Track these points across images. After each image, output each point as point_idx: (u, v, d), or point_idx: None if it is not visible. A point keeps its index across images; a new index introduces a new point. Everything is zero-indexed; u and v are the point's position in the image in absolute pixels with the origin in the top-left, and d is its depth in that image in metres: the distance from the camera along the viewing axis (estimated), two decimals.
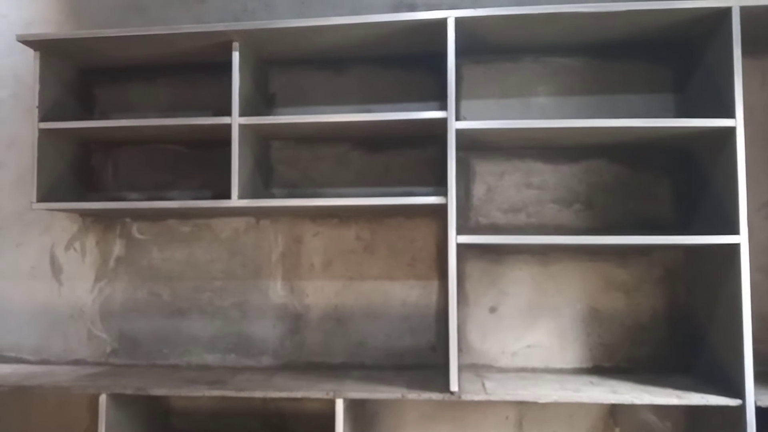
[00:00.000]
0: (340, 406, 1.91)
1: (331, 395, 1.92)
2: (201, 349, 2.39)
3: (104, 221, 2.47)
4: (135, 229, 2.45)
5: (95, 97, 2.50)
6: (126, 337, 2.43)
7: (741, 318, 1.81)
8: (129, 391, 2.01)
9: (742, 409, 1.80)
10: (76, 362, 2.44)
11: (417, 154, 2.33)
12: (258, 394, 1.96)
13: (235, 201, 2.03)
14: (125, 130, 2.25)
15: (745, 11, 1.87)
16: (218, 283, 2.40)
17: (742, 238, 1.83)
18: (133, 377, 2.16)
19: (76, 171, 2.39)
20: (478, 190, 2.33)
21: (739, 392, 1.81)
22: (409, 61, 2.33)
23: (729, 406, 1.81)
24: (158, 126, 2.18)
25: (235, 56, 2.09)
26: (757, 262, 2.14)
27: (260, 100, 2.31)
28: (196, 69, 2.41)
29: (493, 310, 2.29)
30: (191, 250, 2.42)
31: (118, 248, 2.46)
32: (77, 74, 2.41)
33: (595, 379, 2.09)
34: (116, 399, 2.03)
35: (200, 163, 2.42)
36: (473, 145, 2.23)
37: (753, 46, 2.14)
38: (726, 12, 1.88)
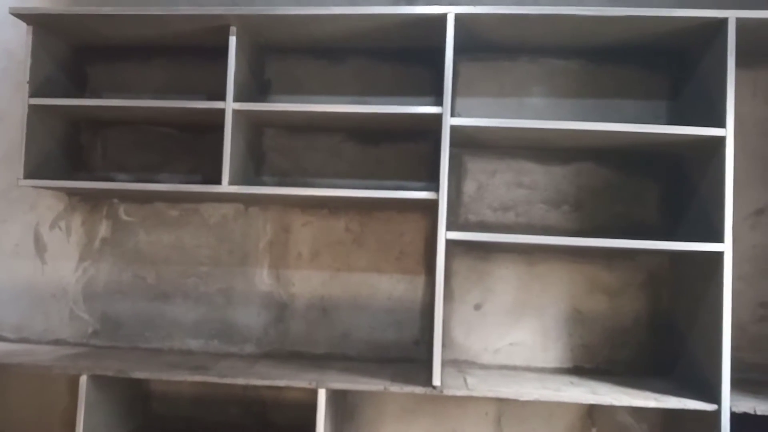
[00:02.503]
0: (322, 396, 1.91)
1: (313, 385, 1.92)
2: (184, 334, 2.38)
3: (91, 201, 2.44)
4: (122, 211, 2.43)
5: (87, 76, 2.47)
6: (108, 318, 2.41)
7: (721, 325, 1.83)
8: (110, 373, 2.00)
9: (717, 414, 1.83)
10: (57, 342, 2.42)
11: (410, 148, 2.34)
12: (240, 381, 1.95)
13: (225, 187, 2.02)
14: (117, 110, 2.23)
15: (740, 23, 1.88)
16: (204, 269, 2.39)
17: (726, 247, 1.85)
18: (114, 359, 2.15)
19: (65, 149, 2.36)
20: (469, 187, 2.34)
21: (715, 397, 1.84)
22: (406, 54, 2.33)
23: (705, 410, 1.84)
24: (150, 107, 2.16)
25: (232, 41, 2.08)
26: (740, 271, 2.18)
27: (255, 87, 2.30)
28: (191, 52, 2.39)
29: (478, 307, 2.31)
30: (178, 235, 2.40)
31: (104, 229, 2.44)
32: (70, 51, 2.38)
33: (575, 379, 2.11)
34: (96, 380, 2.01)
35: (191, 147, 2.40)
36: (467, 142, 2.24)
37: (747, 57, 2.16)
38: (722, 23, 1.90)
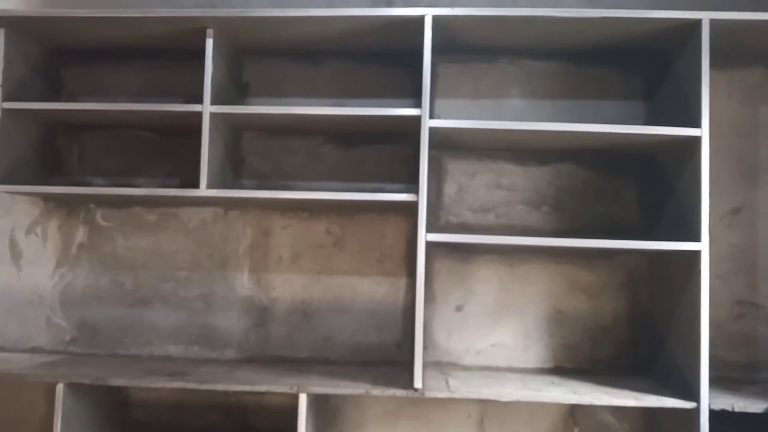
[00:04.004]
0: (303, 400, 1.90)
1: (294, 390, 1.91)
2: (163, 340, 2.35)
3: (67, 206, 2.41)
4: (99, 216, 2.40)
5: (62, 79, 2.44)
6: (86, 325, 2.38)
7: (699, 323, 1.85)
8: (87, 381, 1.96)
9: (696, 411, 1.84)
10: (33, 350, 2.38)
11: (390, 150, 2.33)
12: (220, 387, 1.93)
13: (203, 190, 2.00)
14: (93, 114, 2.20)
15: (715, 24, 1.91)
16: (183, 274, 2.36)
17: (703, 246, 1.87)
18: (92, 366, 2.12)
19: (40, 153, 2.32)
20: (450, 189, 2.34)
21: (694, 395, 1.86)
22: (385, 57, 2.33)
23: (684, 408, 1.86)
24: (127, 111, 2.13)
25: (209, 43, 2.06)
26: (717, 270, 2.19)
27: (233, 89, 2.28)
28: (169, 54, 2.36)
29: (459, 308, 2.31)
30: (157, 239, 2.37)
31: (81, 234, 2.40)
32: (44, 54, 2.34)
33: (556, 379, 2.12)
34: (74, 388, 1.98)
35: (169, 151, 2.37)
36: (446, 144, 2.24)
37: (721, 58, 2.19)
38: (696, 24, 1.92)
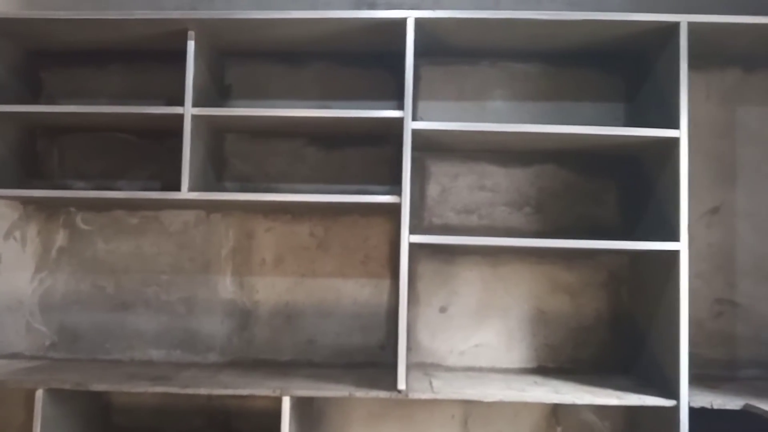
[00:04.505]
0: (286, 404, 1.89)
1: (277, 393, 1.90)
2: (145, 344, 2.33)
3: (47, 210, 2.38)
4: (79, 219, 2.37)
5: (42, 81, 2.41)
6: (67, 330, 2.35)
7: (678, 322, 1.87)
8: (67, 386, 1.94)
9: (676, 409, 1.86)
10: (13, 355, 2.34)
11: (374, 152, 2.33)
12: (203, 391, 1.92)
13: (184, 193, 1.99)
14: (73, 117, 2.18)
15: (692, 27, 1.93)
16: (165, 277, 2.34)
17: (682, 245, 1.89)
18: (72, 372, 2.09)
19: (19, 157, 2.29)
20: (433, 190, 2.34)
21: (674, 393, 1.88)
22: (368, 59, 2.33)
23: (664, 406, 1.88)
24: (108, 113, 2.11)
25: (190, 45, 2.05)
26: (697, 269, 2.23)
27: (215, 92, 2.27)
28: (150, 56, 2.34)
29: (443, 309, 2.32)
30: (138, 243, 2.35)
31: (61, 238, 2.37)
32: (24, 56, 2.32)
33: (539, 379, 2.13)
34: (54, 394, 1.95)
35: (151, 154, 2.36)
36: (429, 145, 2.25)
37: (700, 60, 2.23)
38: (675, 27, 1.94)
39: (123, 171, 2.37)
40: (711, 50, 2.18)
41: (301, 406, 2.08)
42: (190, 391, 1.92)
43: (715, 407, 1.88)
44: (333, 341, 2.31)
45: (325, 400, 2.27)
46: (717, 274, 2.28)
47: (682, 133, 1.92)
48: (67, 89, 2.40)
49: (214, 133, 2.27)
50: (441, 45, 2.21)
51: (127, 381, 1.98)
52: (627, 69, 2.32)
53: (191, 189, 2.00)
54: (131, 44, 2.25)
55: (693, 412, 1.87)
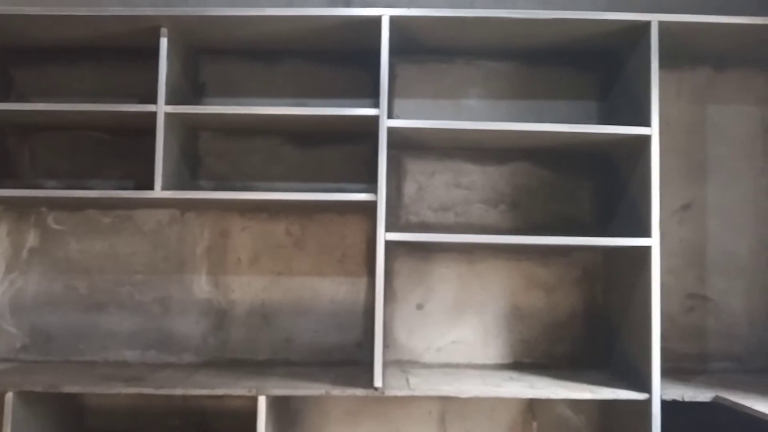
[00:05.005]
0: (262, 403, 1.88)
1: (253, 392, 1.89)
2: (119, 345, 2.30)
3: (17, 210, 2.34)
4: (51, 219, 2.33)
5: (12, 79, 2.36)
6: (38, 331, 2.31)
7: (650, 317, 1.90)
8: (38, 389, 1.91)
9: (648, 402, 1.90)
10: None
11: (350, 150, 2.33)
12: (178, 391, 1.90)
13: (158, 192, 1.97)
14: (44, 115, 2.14)
15: (663, 26, 1.97)
16: (139, 277, 2.31)
17: (653, 241, 1.92)
18: (44, 374, 2.06)
19: None
20: (409, 188, 2.35)
21: (646, 387, 1.91)
22: (344, 57, 2.33)
23: (637, 399, 1.91)
24: (80, 111, 2.08)
25: (163, 42, 2.03)
26: (669, 265, 2.26)
27: (189, 89, 2.25)
28: (123, 54, 2.31)
29: (420, 306, 2.32)
30: (111, 243, 2.32)
31: (32, 238, 2.33)
32: None
33: (515, 374, 2.15)
34: (24, 397, 1.92)
35: (124, 152, 2.33)
36: (405, 143, 2.25)
37: (671, 59, 2.26)
38: (646, 26, 1.97)
39: (96, 170, 2.34)
40: (682, 49, 2.22)
41: (278, 406, 2.07)
42: (164, 391, 1.90)
43: (686, 400, 1.92)
44: (310, 340, 2.30)
45: (302, 398, 2.26)
46: (688, 270, 2.32)
47: (653, 131, 1.95)
48: (39, 87, 2.36)
49: (188, 131, 2.25)
50: (416, 43, 2.21)
51: (101, 382, 1.95)
52: (600, 68, 2.34)
53: (165, 188, 1.99)
54: (104, 41, 2.22)
55: (665, 404, 1.90)
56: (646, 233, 1.94)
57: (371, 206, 2.02)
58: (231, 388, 1.91)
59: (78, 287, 2.32)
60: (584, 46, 2.22)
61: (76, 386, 1.92)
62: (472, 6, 2.39)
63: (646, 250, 1.94)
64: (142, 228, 2.33)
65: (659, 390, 1.89)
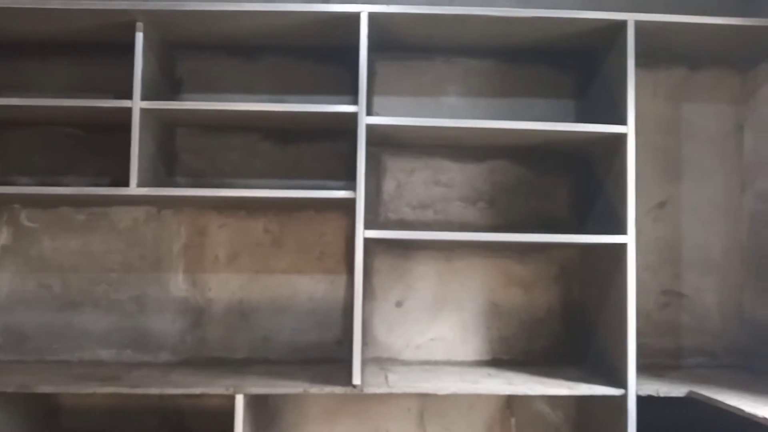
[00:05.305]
0: (240, 402, 1.87)
1: (230, 391, 1.87)
2: (95, 344, 2.27)
3: None
4: (24, 217, 2.29)
5: None
6: (11, 331, 2.26)
7: (626, 313, 1.92)
8: (10, 389, 1.87)
9: (624, 398, 1.92)
10: None
11: (329, 147, 2.32)
12: (153, 390, 1.88)
13: (133, 189, 1.94)
14: (16, 110, 2.09)
15: (639, 25, 1.98)
16: (115, 275, 2.28)
17: (629, 239, 1.94)
18: (17, 374, 2.02)
19: None
20: (389, 185, 2.35)
21: (622, 382, 1.93)
22: (323, 53, 2.31)
23: (613, 395, 1.93)
24: (53, 107, 2.04)
25: (139, 37, 2.00)
26: (644, 261, 2.29)
27: (165, 85, 2.22)
28: (98, 48, 2.27)
29: (399, 304, 2.32)
30: (86, 240, 2.29)
31: (4, 236, 2.29)
32: None
33: (493, 371, 2.16)
34: None
35: (99, 149, 2.29)
36: (385, 141, 2.25)
37: (647, 58, 2.29)
38: (622, 25, 1.99)
39: (70, 166, 2.30)
40: (658, 49, 2.24)
41: (256, 404, 2.06)
42: (140, 391, 1.88)
43: (661, 395, 1.95)
44: (289, 338, 2.29)
45: (281, 397, 2.25)
46: (664, 267, 2.35)
47: (629, 129, 1.97)
48: (11, 82, 2.31)
49: (165, 127, 2.22)
50: (396, 40, 2.21)
51: (75, 382, 1.93)
52: (578, 66, 2.36)
53: (140, 184, 1.96)
54: (78, 36, 2.18)
55: (640, 399, 1.92)
56: (622, 230, 1.96)
57: (350, 204, 2.02)
58: (208, 386, 1.89)
59: (52, 286, 2.28)
60: (562, 45, 2.24)
61: (49, 386, 1.89)
62: (451, 3, 2.38)
63: (622, 247, 1.96)
64: (117, 225, 2.30)
65: (635, 385, 1.92)
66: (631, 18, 1.98)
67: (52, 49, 2.30)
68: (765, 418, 1.64)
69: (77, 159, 2.30)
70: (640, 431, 1.90)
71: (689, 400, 1.94)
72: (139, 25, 2.00)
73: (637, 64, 2.00)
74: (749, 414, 1.69)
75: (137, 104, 1.96)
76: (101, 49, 2.27)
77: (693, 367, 2.29)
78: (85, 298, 2.28)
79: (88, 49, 2.29)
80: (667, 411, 2.06)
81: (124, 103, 1.97)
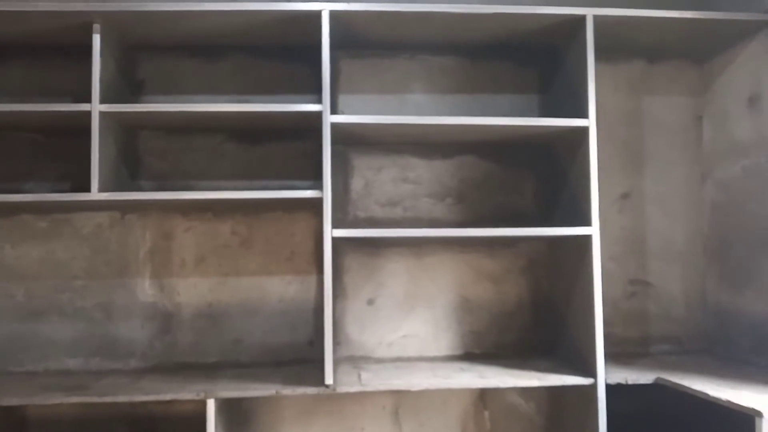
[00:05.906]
0: (211, 406, 1.84)
1: (201, 396, 1.85)
2: (61, 354, 2.22)
3: None
4: None
5: None
6: None
7: (593, 303, 1.96)
8: None
9: (594, 387, 1.95)
10: None
11: (296, 147, 2.31)
12: (122, 398, 1.85)
13: (95, 194, 1.90)
14: None
15: (598, 20, 2.02)
16: (80, 283, 2.23)
17: (594, 230, 1.98)
18: None
19: None
20: (357, 184, 2.35)
21: (591, 372, 1.96)
22: (286, 52, 2.30)
23: (583, 385, 1.96)
24: (9, 112, 1.98)
25: (96, 39, 1.96)
26: (610, 252, 2.33)
27: (125, 87, 2.18)
28: (55, 51, 2.22)
29: (371, 302, 2.32)
30: (49, 248, 2.24)
31: None
32: None
33: (465, 365, 2.18)
34: None
35: (59, 153, 2.24)
36: (351, 139, 2.24)
37: (608, 53, 2.33)
38: (581, 20, 2.02)
39: (30, 172, 2.24)
40: (617, 43, 2.28)
41: (229, 408, 2.04)
42: (108, 399, 1.84)
43: (630, 383, 1.98)
44: (260, 340, 2.27)
45: (255, 400, 2.23)
46: (629, 257, 2.40)
47: (591, 123, 2.00)
48: None
49: (127, 130, 2.18)
50: (359, 38, 2.21)
51: (40, 393, 1.88)
52: (540, 62, 2.39)
53: (102, 189, 1.92)
54: (34, 38, 2.14)
55: (610, 388, 1.95)
56: (587, 222, 1.99)
57: (318, 203, 2.01)
58: (178, 392, 1.87)
59: (15, 294, 2.23)
60: (525, 41, 2.26)
61: (13, 398, 1.84)
62: (412, 0, 2.39)
63: (587, 238, 1.99)
64: (80, 231, 2.25)
65: (604, 374, 1.95)
66: (589, 13, 2.01)
67: (7, 52, 2.25)
68: (729, 401, 1.68)
69: (37, 164, 2.25)
70: (611, 418, 1.94)
71: (657, 387, 1.98)
72: (96, 26, 1.96)
73: (598, 59, 2.03)
74: (714, 398, 1.73)
75: (96, 107, 1.92)
76: (59, 52, 2.22)
77: (660, 354, 2.34)
78: (49, 306, 2.23)
79: (47, 52, 2.24)
80: (636, 398, 2.10)
81: (83, 107, 1.93)
